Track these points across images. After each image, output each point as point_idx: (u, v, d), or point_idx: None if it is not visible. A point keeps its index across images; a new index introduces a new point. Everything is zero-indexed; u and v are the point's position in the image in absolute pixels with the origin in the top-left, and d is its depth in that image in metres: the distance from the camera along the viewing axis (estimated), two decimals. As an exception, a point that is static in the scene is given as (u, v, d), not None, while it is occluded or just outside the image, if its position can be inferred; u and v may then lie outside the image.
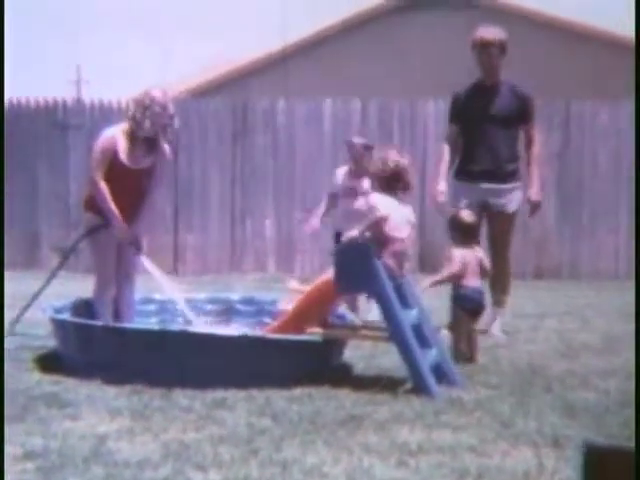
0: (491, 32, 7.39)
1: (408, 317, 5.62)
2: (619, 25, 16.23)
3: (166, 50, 24.28)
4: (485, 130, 7.34)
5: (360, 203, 6.46)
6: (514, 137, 7.46)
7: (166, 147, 6.59)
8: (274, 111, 12.98)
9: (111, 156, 6.37)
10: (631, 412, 4.54)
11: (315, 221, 8.34)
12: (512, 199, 7.45)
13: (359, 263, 5.54)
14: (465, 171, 7.45)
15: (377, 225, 5.63)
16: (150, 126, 6.36)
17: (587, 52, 18.17)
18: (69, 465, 3.95)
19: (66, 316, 6.27)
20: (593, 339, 7.34)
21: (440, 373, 5.52)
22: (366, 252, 5.55)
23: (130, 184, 6.40)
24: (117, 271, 6.54)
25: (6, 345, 6.40)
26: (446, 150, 7.53)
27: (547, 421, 4.69)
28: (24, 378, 5.63)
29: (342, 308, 6.52)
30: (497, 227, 7.43)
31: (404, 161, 5.82)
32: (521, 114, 7.42)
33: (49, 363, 6.00)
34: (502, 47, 7.34)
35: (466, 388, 5.42)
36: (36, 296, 6.81)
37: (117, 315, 6.53)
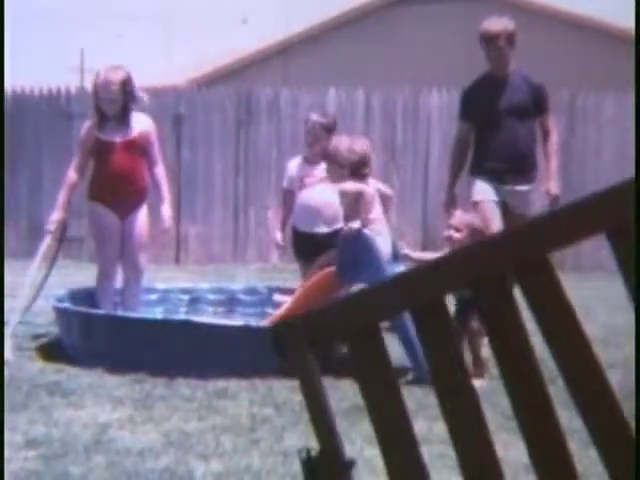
0: (497, 23, 7.03)
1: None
2: (624, 17, 16.19)
3: (170, 39, 24.18)
4: (500, 124, 6.89)
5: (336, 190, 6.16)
6: (531, 129, 7.02)
7: (144, 118, 6.61)
8: (278, 101, 12.96)
9: (92, 141, 6.47)
10: (633, 405, 4.53)
11: (278, 238, 7.29)
12: (530, 201, 7.02)
13: (361, 253, 5.54)
14: (481, 171, 6.93)
15: (370, 205, 5.79)
16: (107, 104, 6.40)
17: (591, 43, 18.13)
18: (71, 453, 3.96)
19: (68, 305, 6.28)
20: (595, 331, 7.32)
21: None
22: (368, 242, 5.56)
23: (113, 158, 6.42)
24: (123, 262, 6.54)
25: (9, 333, 6.40)
26: (455, 153, 7.10)
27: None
28: (27, 367, 5.63)
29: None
30: None
31: (369, 149, 6.08)
32: (536, 104, 6.98)
33: (52, 352, 6.01)
34: (510, 38, 6.94)
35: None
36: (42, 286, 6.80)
37: (123, 305, 6.52)
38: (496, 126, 6.89)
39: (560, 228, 2.00)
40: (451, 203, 6.99)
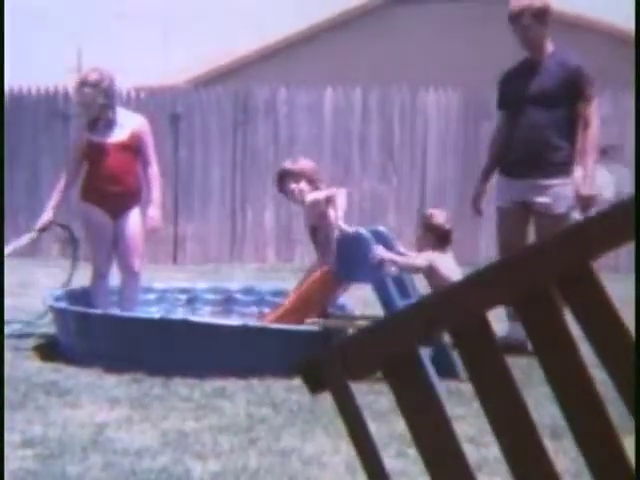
0: (520, 0, 6.27)
1: (408, 307, 5.62)
2: (623, 17, 16.22)
3: (167, 39, 24.22)
4: (523, 114, 6.28)
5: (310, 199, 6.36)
6: (562, 119, 6.27)
7: (137, 118, 6.61)
8: (275, 100, 12.96)
9: (83, 144, 6.49)
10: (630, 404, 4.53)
11: None
12: (560, 197, 6.26)
13: (359, 252, 5.55)
14: (505, 164, 6.45)
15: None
16: (85, 106, 6.45)
17: (589, 43, 18.14)
18: (68, 453, 3.96)
19: (66, 304, 6.28)
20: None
21: (439, 363, 5.52)
22: (366, 242, 5.57)
23: (104, 160, 6.41)
24: (118, 264, 6.54)
25: (6, 332, 6.40)
26: (489, 144, 6.67)
27: (546, 412, 4.68)
28: (24, 366, 5.63)
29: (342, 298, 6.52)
30: (542, 231, 6.24)
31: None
32: (571, 90, 6.23)
33: (49, 351, 6.01)
34: (538, 15, 6.22)
35: (465, 379, 5.42)
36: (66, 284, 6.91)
37: (120, 306, 6.51)
38: (518, 115, 6.33)
39: (602, 232, 1.86)
40: (476, 198, 6.62)
